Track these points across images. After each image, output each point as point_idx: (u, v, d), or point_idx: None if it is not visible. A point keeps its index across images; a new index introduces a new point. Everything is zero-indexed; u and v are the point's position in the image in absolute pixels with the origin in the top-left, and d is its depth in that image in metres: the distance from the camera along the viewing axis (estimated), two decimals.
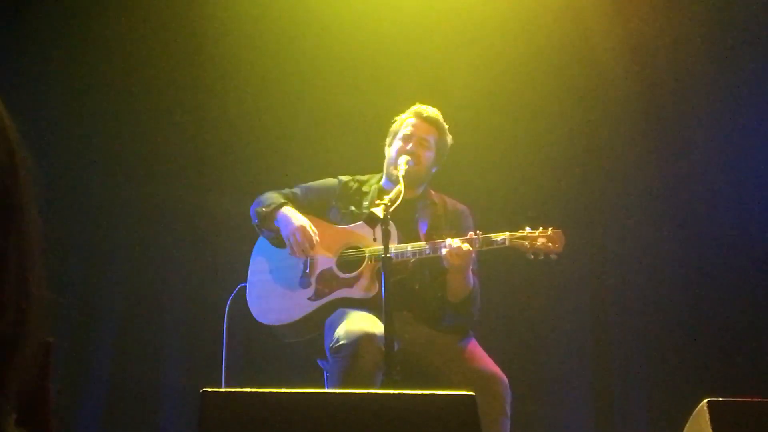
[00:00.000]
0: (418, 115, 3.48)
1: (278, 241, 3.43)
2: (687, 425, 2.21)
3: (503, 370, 3.21)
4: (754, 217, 4.40)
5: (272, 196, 3.47)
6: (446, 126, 3.50)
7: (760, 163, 4.44)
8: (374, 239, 3.03)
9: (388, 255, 2.88)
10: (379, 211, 2.87)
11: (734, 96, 4.53)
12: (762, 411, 2.16)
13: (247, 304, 3.45)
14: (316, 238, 3.31)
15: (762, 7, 4.46)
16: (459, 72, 4.67)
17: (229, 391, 2.00)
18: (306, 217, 3.40)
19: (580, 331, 4.50)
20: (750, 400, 2.19)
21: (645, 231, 4.52)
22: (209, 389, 1.93)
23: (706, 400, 2.14)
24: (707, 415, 2.11)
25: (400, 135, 3.46)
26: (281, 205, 3.40)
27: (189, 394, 4.25)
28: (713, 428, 2.09)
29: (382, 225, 2.92)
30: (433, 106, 3.56)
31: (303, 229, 3.31)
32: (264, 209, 3.40)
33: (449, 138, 3.51)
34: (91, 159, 4.61)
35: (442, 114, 3.56)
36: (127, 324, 4.45)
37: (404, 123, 3.49)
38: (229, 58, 4.67)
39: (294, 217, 3.36)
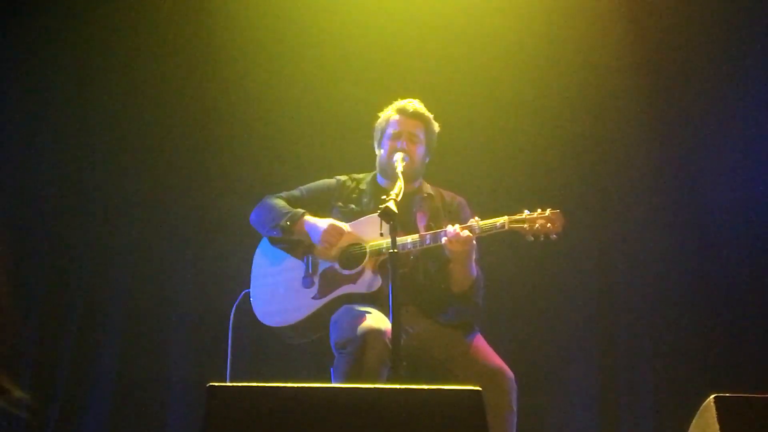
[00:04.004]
0: (403, 112, 3.48)
1: (291, 247, 3.44)
2: (694, 420, 2.21)
3: (509, 364, 3.21)
4: (763, 208, 4.37)
5: (280, 205, 3.47)
6: (431, 115, 3.50)
7: None
8: (381, 234, 3.02)
9: (395, 249, 2.87)
10: (393, 206, 2.88)
11: (739, 76, 4.50)
12: None
13: (251, 309, 3.45)
14: (344, 229, 3.34)
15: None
16: (458, 66, 4.66)
17: (235, 386, 2.00)
18: None
19: (586, 326, 4.50)
20: (757, 395, 2.18)
21: (652, 226, 4.50)
22: (215, 384, 1.93)
23: (713, 396, 2.13)
24: (714, 411, 2.10)
25: (388, 133, 3.47)
26: (303, 214, 3.41)
27: (195, 389, 4.26)
28: (720, 424, 2.08)
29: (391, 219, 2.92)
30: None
31: (332, 227, 3.33)
32: (286, 223, 3.40)
33: (436, 126, 3.51)
34: (99, 161, 4.64)
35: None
36: (134, 320, 4.47)
37: (390, 121, 3.49)
38: (233, 64, 4.70)
39: (319, 222, 3.38)
